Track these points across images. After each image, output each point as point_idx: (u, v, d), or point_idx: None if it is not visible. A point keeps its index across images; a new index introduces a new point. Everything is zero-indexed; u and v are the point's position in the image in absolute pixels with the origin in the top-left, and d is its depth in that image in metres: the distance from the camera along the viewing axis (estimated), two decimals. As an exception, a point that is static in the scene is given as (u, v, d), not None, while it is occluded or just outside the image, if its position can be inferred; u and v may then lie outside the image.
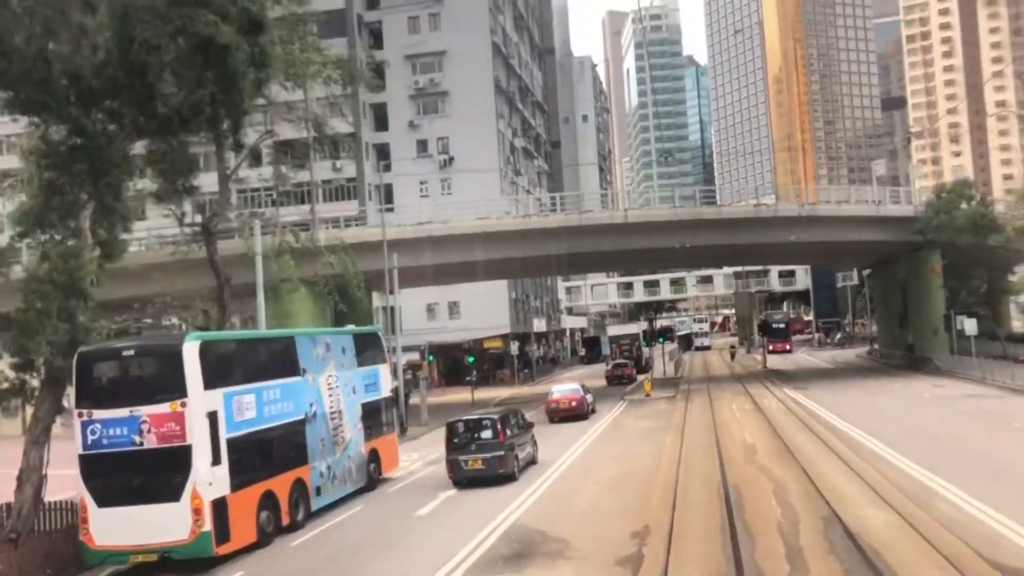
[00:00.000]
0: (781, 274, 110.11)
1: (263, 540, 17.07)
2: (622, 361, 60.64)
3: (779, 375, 54.54)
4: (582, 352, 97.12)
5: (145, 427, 15.46)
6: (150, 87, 17.24)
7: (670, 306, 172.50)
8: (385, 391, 24.65)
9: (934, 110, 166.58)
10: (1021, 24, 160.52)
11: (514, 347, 63.72)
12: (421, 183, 64.67)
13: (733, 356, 72.83)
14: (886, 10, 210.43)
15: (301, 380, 19.55)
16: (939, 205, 49.96)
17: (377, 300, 67.23)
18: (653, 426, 31.84)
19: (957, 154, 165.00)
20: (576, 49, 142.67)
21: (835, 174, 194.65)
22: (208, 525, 15.38)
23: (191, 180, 21.64)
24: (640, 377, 52.41)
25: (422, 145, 65.93)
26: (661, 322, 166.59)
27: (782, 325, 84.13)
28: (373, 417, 23.20)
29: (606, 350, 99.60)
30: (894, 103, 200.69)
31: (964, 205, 50.34)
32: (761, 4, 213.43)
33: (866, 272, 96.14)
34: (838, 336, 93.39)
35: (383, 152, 66.88)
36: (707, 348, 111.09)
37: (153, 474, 15.55)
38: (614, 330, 77.22)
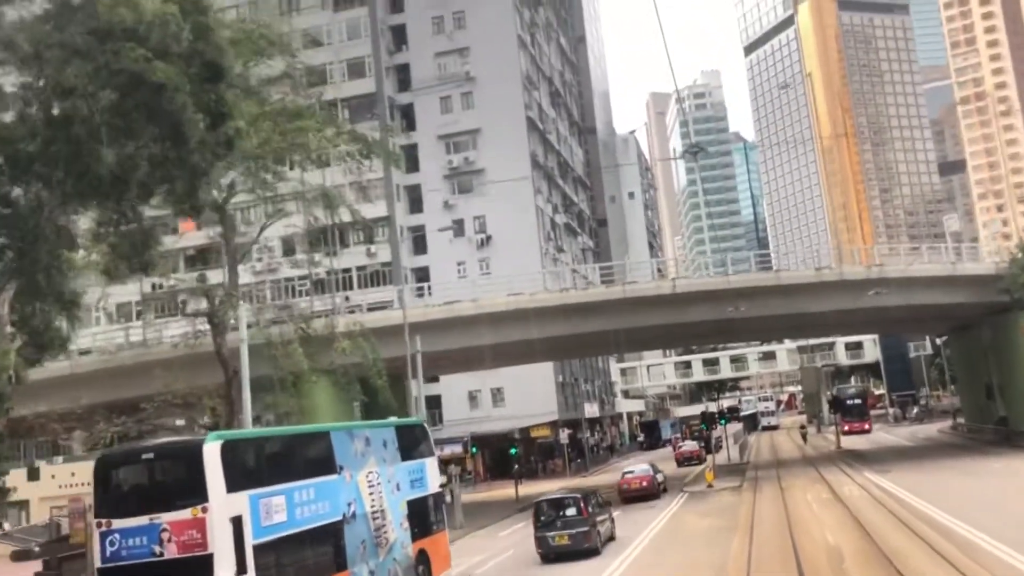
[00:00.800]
0: (848, 346, 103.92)
1: None
2: (690, 443, 60.38)
3: (856, 456, 49.16)
4: (640, 437, 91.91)
5: (166, 536, 14.45)
6: (77, 142, 14.31)
7: (732, 385, 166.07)
8: (433, 486, 22.99)
9: (996, 171, 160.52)
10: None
11: (563, 435, 59.46)
12: (459, 264, 61.88)
13: (805, 437, 67.06)
14: (935, 75, 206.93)
15: (338, 478, 18.21)
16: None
17: (415, 389, 64.05)
18: (716, 525, 27.33)
19: (1005, 225, 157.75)
20: (620, 130, 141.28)
21: (895, 241, 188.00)
22: None
23: (148, 254, 18.60)
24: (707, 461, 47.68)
25: (458, 224, 63.42)
26: (724, 402, 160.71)
27: (857, 401, 73.72)
28: (420, 515, 21.55)
29: (667, 434, 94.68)
30: (952, 167, 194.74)
31: (1052, 260, 45.40)
32: (806, 76, 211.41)
33: (941, 340, 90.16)
34: (915, 410, 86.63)
35: (417, 235, 64.53)
36: (774, 428, 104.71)
37: None
38: (683, 411, 75.70)
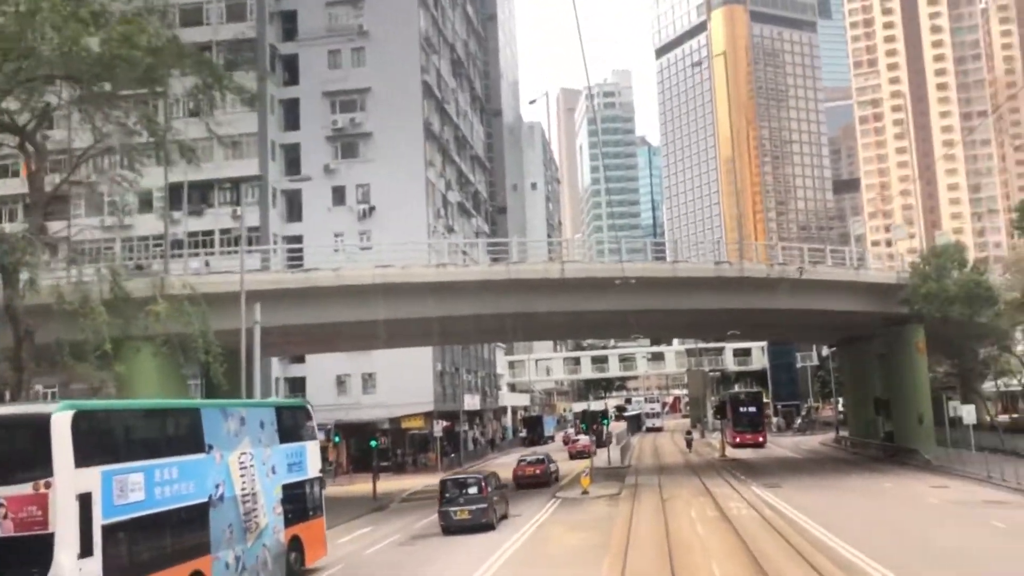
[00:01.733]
0: (736, 352, 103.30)
1: None
2: (584, 438, 57.19)
3: (741, 466, 46.50)
4: (523, 432, 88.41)
5: (0, 512, 13.40)
6: None
7: (620, 384, 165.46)
8: (313, 471, 22.05)
9: (887, 191, 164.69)
10: (971, 109, 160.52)
11: (438, 427, 54.93)
12: (336, 235, 56.41)
13: (689, 444, 62.24)
14: (839, 95, 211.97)
15: (206, 458, 17.27)
16: (928, 272, 43.24)
17: (279, 368, 58.31)
18: (586, 543, 23.36)
19: (912, 235, 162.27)
20: (528, 120, 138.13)
21: (788, 255, 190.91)
22: None
23: None
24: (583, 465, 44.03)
25: (339, 193, 58.02)
26: (611, 401, 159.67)
27: (752, 409, 62.06)
28: (296, 500, 20.81)
29: (550, 430, 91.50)
30: (847, 185, 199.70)
31: (955, 273, 43.73)
32: (714, 86, 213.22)
33: (830, 350, 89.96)
34: (798, 421, 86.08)
35: (293, 200, 58.81)
36: (659, 430, 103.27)
37: (6, 569, 13.33)
38: (579, 406, 72.31)
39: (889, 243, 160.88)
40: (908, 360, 46.58)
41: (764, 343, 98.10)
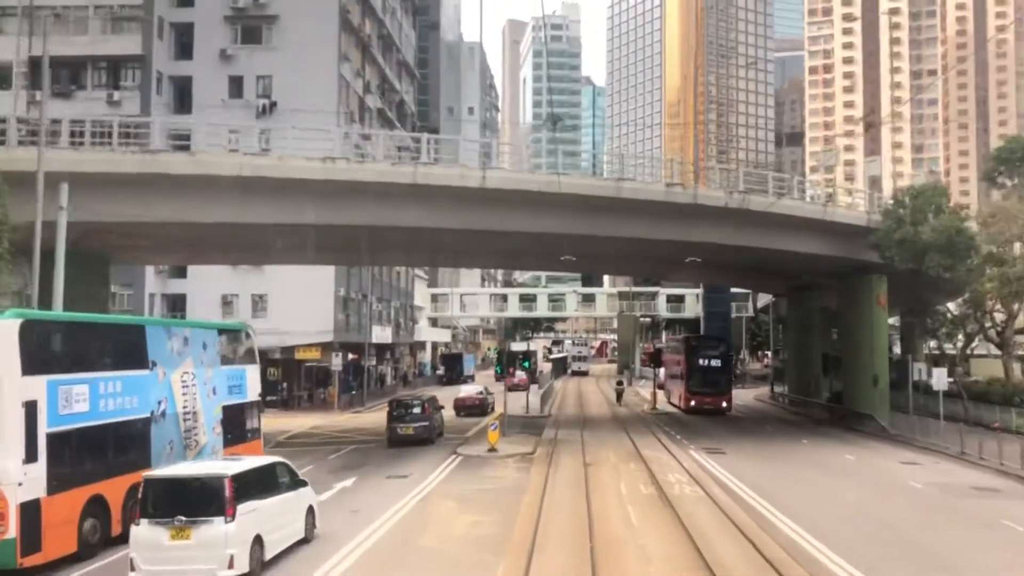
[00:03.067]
0: (670, 299, 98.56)
1: (85, 552, 14.88)
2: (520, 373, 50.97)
3: (675, 423, 41.12)
4: (440, 370, 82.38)
5: None
6: None
7: (548, 326, 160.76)
8: (252, 394, 22.64)
9: (831, 145, 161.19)
10: (922, 66, 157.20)
11: (337, 360, 48.28)
12: (231, 133, 48.21)
13: (620, 396, 52.93)
14: (788, 46, 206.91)
15: (150, 374, 17.71)
16: (903, 215, 37.79)
17: (155, 283, 50.56)
18: (478, 533, 17.15)
19: (849, 192, 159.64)
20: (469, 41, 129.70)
21: (749, 183, 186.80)
22: (12, 532, 13.39)
23: None
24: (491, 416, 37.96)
25: (236, 84, 49.80)
26: (539, 342, 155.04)
27: (717, 363, 47.26)
28: (235, 421, 21.26)
29: (470, 369, 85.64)
30: (792, 138, 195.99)
31: (931, 218, 38.41)
32: (664, 27, 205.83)
33: (772, 300, 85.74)
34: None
35: (183, 88, 50.35)
36: (584, 374, 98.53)
37: None
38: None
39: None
40: (866, 314, 41.44)
41: (699, 290, 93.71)
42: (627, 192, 31.29)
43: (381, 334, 60.19)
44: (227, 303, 49.75)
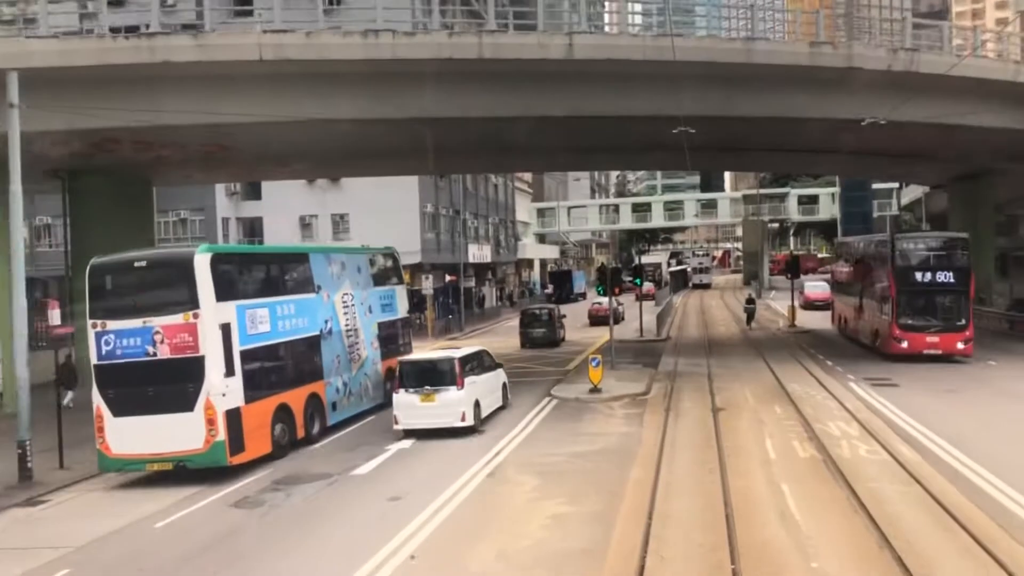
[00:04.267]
0: (801, 200, 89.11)
1: (278, 452, 17.16)
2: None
3: (821, 343, 34.28)
4: (549, 289, 76.96)
5: (158, 337, 15.49)
6: None
7: (665, 237, 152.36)
8: (402, 311, 24.65)
9: None
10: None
11: (427, 284, 43.46)
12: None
13: (751, 317, 42.50)
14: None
15: (316, 297, 19.60)
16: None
17: (228, 206, 46.69)
18: (558, 536, 11.59)
19: None
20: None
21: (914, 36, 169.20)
22: (222, 435, 15.50)
23: None
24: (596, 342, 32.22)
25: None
26: (646, 257, 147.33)
27: (949, 277, 28.07)
28: (390, 337, 23.42)
29: (581, 286, 79.85)
30: None
31: None
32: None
33: (913, 197, 75.68)
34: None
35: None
36: (706, 287, 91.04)
37: (167, 384, 15.49)
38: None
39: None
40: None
41: (835, 189, 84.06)
42: (760, 56, 24.18)
43: (479, 253, 55.06)
44: (306, 225, 45.56)
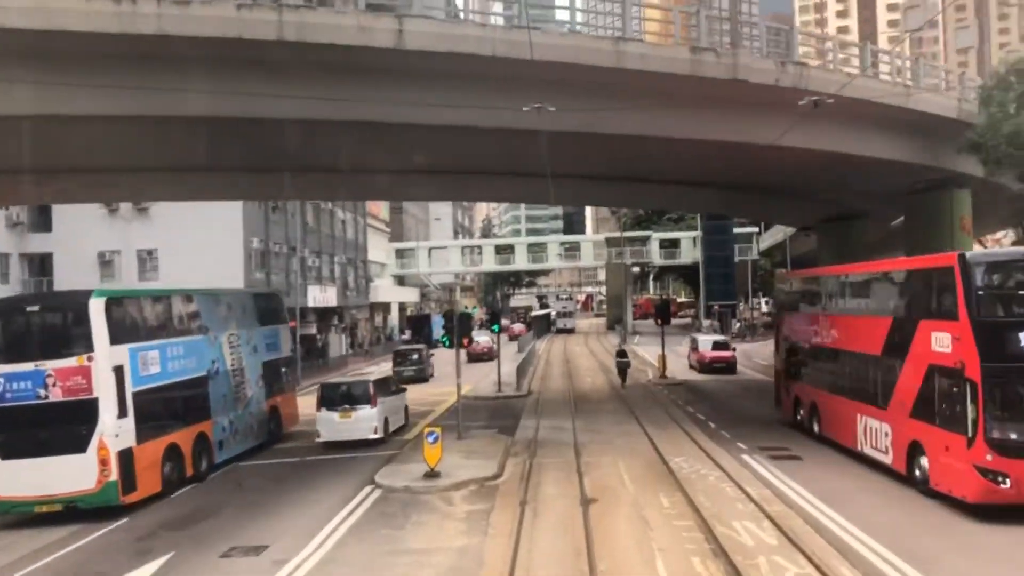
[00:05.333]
0: (663, 244, 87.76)
1: (168, 490, 17.47)
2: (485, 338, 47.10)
3: (699, 399, 30.45)
4: (407, 335, 71.41)
5: (51, 381, 15.71)
6: None
7: (530, 281, 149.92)
8: (286, 351, 25.34)
9: None
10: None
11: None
12: None
13: (625, 374, 35.42)
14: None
15: (204, 338, 20.09)
16: (1006, 99, 26.92)
17: (9, 240, 39.08)
18: None
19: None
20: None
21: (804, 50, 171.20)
22: (114, 475, 15.77)
23: None
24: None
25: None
26: (517, 299, 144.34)
27: None
28: (274, 375, 24.02)
29: (439, 331, 74.70)
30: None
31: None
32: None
33: (771, 242, 75.17)
34: (736, 324, 71.56)
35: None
36: (571, 331, 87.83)
37: (59, 426, 15.69)
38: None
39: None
40: (946, 242, 30.82)
41: (696, 233, 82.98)
42: (632, 60, 20.10)
43: (322, 296, 49.12)
44: (106, 262, 38.57)
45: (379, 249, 78.30)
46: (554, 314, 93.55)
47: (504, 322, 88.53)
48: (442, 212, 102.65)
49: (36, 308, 16.79)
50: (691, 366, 40.85)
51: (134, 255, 38.36)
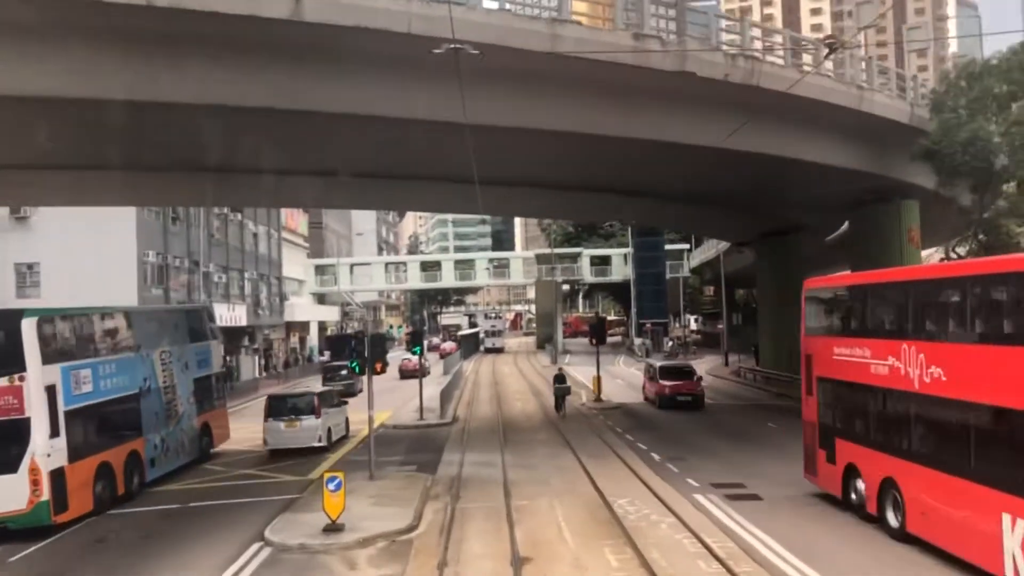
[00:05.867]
0: (594, 261, 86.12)
1: (99, 509, 17.22)
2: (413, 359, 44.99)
3: (637, 425, 28.09)
4: (326, 356, 67.72)
5: None
6: None
7: (457, 299, 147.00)
8: (217, 367, 25.28)
9: None
10: None
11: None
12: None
13: (562, 401, 30.92)
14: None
15: (136, 356, 19.94)
16: (958, 105, 25.51)
17: None
18: None
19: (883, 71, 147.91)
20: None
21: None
22: (46, 495, 15.64)
23: None
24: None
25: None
26: (447, 317, 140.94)
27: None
28: (205, 392, 23.94)
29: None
30: None
31: (993, 113, 26.27)
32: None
33: (702, 259, 74.13)
34: (669, 343, 69.96)
35: None
36: (499, 351, 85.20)
37: None
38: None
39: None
40: (894, 256, 29.38)
41: (627, 250, 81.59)
42: (568, 44, 17.72)
43: (229, 315, 45.38)
44: (-22, 277, 34.32)
45: (297, 265, 74.56)
46: (482, 333, 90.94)
47: (435, 340, 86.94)
48: (365, 228, 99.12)
49: None
50: (647, 398, 34.46)
51: (11, 269, 34.27)
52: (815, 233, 38.03)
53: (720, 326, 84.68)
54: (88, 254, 33.21)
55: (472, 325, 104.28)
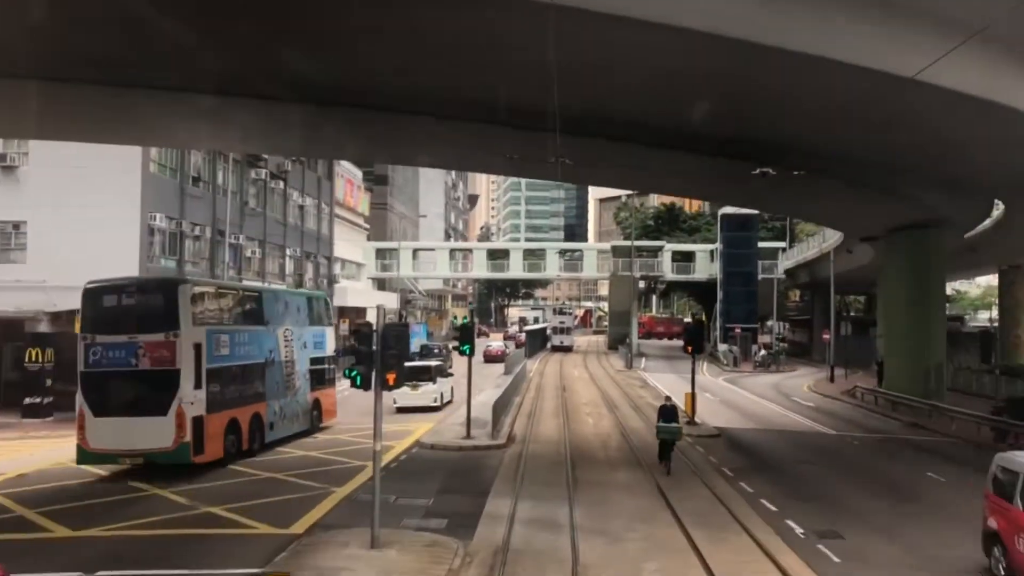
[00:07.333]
0: (676, 256, 78.57)
1: (227, 459, 19.83)
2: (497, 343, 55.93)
3: (755, 466, 21.12)
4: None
5: (141, 352, 18.43)
6: None
7: (526, 292, 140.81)
8: (330, 350, 27.44)
9: None
10: None
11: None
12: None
13: (669, 449, 19.75)
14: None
15: (265, 329, 22.74)
16: None
17: None
18: None
19: None
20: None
21: None
22: (189, 437, 18.38)
23: None
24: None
25: None
26: (513, 310, 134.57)
27: None
28: (318, 371, 26.21)
29: (413, 344, 65.55)
30: None
31: None
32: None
33: (796, 261, 66.00)
34: (760, 352, 62.03)
35: None
36: (568, 350, 78.40)
37: (145, 391, 18.54)
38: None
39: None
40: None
41: (714, 246, 73.86)
42: None
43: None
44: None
45: (356, 247, 69.21)
46: (549, 329, 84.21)
47: (508, 330, 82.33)
48: (431, 212, 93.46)
49: (133, 289, 19.76)
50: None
51: (-7, 230, 29.12)
52: (952, 228, 30.48)
53: (801, 336, 76.26)
54: (87, 215, 27.77)
55: (536, 321, 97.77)
